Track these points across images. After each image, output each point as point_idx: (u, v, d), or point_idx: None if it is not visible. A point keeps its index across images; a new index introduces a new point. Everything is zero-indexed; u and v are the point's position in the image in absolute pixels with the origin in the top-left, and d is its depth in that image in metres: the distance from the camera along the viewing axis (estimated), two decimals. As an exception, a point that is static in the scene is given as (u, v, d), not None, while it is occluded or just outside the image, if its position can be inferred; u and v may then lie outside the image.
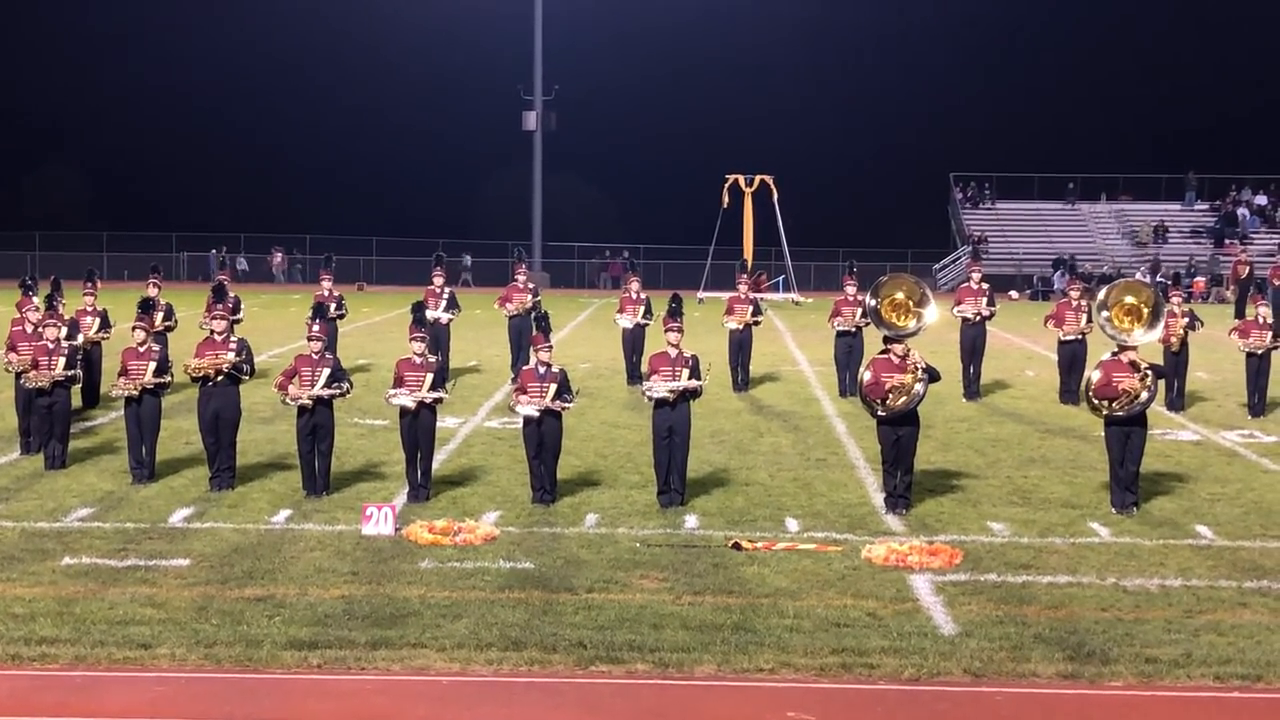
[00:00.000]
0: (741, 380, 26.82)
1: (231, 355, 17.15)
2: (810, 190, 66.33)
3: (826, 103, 77.28)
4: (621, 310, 27.57)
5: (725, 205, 58.64)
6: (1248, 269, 50.79)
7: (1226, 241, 65.66)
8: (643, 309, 27.20)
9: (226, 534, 14.99)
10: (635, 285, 27.87)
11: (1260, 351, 23.85)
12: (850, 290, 26.27)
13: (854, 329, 25.83)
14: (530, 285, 28.17)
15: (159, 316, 24.42)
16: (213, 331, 17.54)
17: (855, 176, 74.51)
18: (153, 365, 17.52)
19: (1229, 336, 24.80)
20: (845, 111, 77.30)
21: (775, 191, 58.17)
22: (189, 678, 10.76)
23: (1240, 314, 23.92)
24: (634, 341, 27.33)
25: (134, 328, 17.87)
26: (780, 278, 60.68)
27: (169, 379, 17.85)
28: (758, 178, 58.76)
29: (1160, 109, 74.47)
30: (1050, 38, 79.83)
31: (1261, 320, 24.18)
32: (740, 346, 26.90)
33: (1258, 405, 24.03)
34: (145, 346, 17.68)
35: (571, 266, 71.79)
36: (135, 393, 17.43)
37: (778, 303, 54.44)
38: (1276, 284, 39.99)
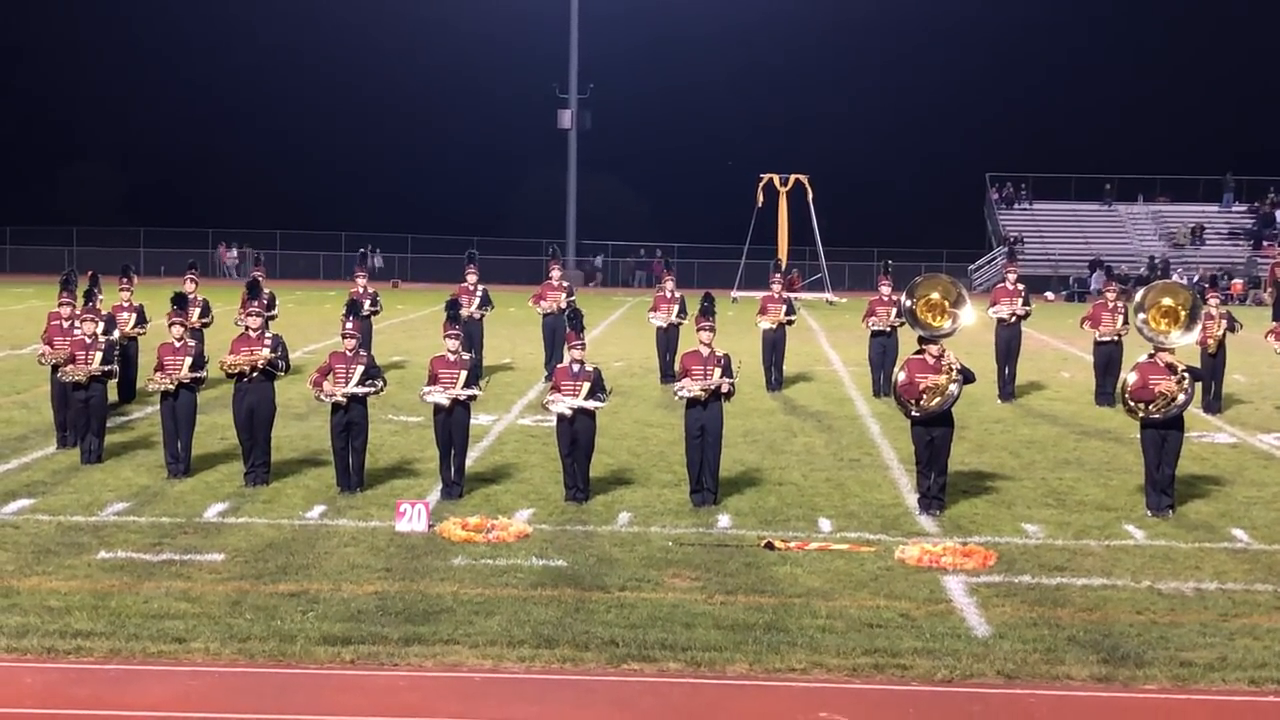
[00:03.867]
0: (775, 380, 26.78)
1: (266, 351, 17.21)
2: (845, 190, 66.23)
3: (862, 103, 77.13)
4: (655, 309, 27.56)
5: (760, 204, 58.58)
6: (1286, 271, 50.46)
7: (1264, 243, 65.24)
8: (676, 308, 27.19)
9: (261, 529, 15.05)
10: (669, 284, 27.85)
11: (1298, 354, 23.68)
12: (885, 290, 26.19)
13: (888, 329, 25.75)
14: (564, 284, 28.18)
15: (195, 312, 24.54)
16: (248, 328, 17.61)
17: (891, 176, 74.34)
18: (189, 361, 17.60)
19: (1265, 339, 24.63)
20: (881, 111, 77.15)
21: (810, 191, 58.09)
22: (223, 672, 10.81)
23: (1277, 316, 23.74)
24: (668, 340, 27.33)
25: (170, 323, 17.98)
26: (815, 277, 60.58)
27: (204, 374, 17.94)
28: (793, 177, 58.69)
29: (1198, 110, 74.05)
30: (1088, 40, 79.46)
31: (1299, 323, 24.00)
32: (774, 346, 26.86)
33: (1295, 408, 23.87)
34: (181, 342, 17.78)
35: (605, 265, 71.90)
36: (171, 387, 17.53)
37: (812, 302, 54.33)
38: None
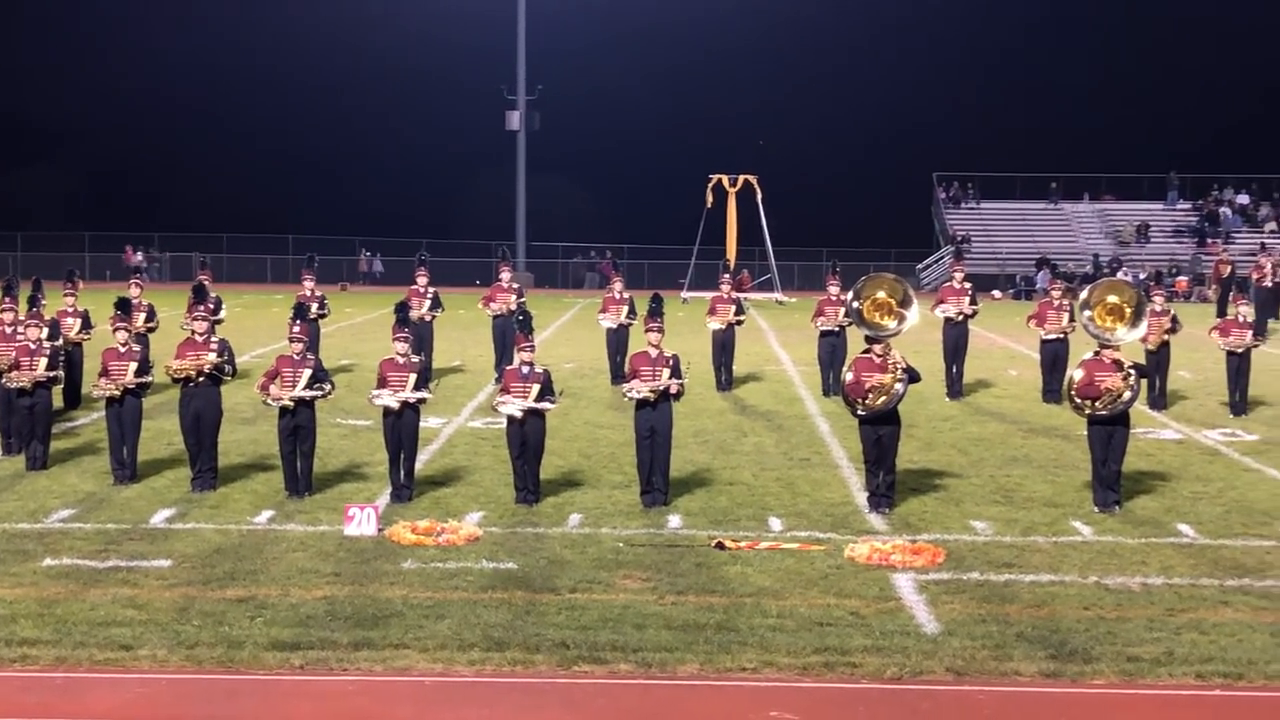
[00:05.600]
0: (725, 380, 26.82)
1: (213, 356, 17.11)
2: (794, 190, 66.36)
3: (810, 103, 77.36)
4: (604, 310, 27.55)
5: (709, 205, 58.65)
6: (1229, 268, 50.88)
7: (1209, 241, 65.88)
8: (626, 309, 27.19)
9: (208, 535, 14.95)
10: (618, 285, 27.84)
11: (1241, 350, 23.93)
12: (833, 290, 26.30)
13: (837, 329, 25.85)
14: (514, 285, 28.14)
15: (140, 317, 24.35)
16: (194, 332, 17.50)
17: (839, 176, 74.56)
18: (134, 366, 17.46)
19: (1209, 335, 24.87)
20: (829, 111, 77.37)
21: (759, 191, 58.20)
22: (170, 679, 10.73)
23: (1222, 313, 23.96)
24: (618, 342, 27.32)
25: (115, 328, 17.83)
26: (764, 277, 60.71)
27: (150, 379, 17.81)
28: (741, 177, 58.77)
29: (1142, 109, 74.65)
30: (1033, 38, 79.97)
31: (1242, 319, 24.28)
32: (723, 346, 26.90)
33: (1239, 404, 24.09)
34: (126, 347, 17.63)
35: (555, 266, 71.78)
36: (116, 393, 17.39)
37: (761, 302, 54.46)
38: (1257, 283, 40.19)
